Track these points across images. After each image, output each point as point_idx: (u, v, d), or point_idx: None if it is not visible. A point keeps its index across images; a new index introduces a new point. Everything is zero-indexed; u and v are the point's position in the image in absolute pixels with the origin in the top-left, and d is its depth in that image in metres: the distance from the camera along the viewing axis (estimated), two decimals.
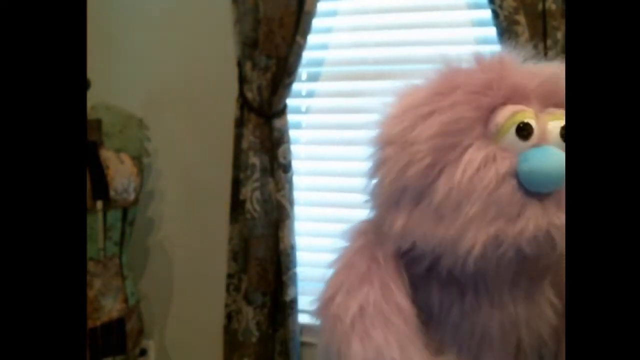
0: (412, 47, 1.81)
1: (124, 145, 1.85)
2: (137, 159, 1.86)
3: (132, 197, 1.80)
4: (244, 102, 1.81)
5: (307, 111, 1.94)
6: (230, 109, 1.84)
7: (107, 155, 1.76)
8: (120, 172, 1.76)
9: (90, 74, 1.32)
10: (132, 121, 1.90)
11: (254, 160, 1.81)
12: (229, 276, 1.87)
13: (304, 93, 1.92)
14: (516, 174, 0.58)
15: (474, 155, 0.59)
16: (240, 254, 1.85)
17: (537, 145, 0.59)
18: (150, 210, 2.08)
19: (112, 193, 1.74)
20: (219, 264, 1.91)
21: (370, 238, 0.69)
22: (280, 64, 1.75)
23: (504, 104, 0.61)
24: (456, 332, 0.66)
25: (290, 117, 1.84)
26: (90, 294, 1.71)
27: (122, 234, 1.81)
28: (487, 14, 1.63)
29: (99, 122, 1.79)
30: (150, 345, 2.09)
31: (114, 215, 1.77)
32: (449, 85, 0.63)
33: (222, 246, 1.89)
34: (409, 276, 0.66)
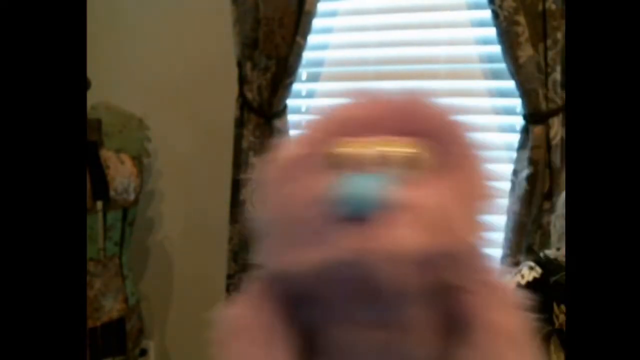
0: (412, 47, 1.81)
1: (124, 145, 1.85)
2: (137, 159, 1.86)
3: (132, 197, 1.80)
4: (244, 102, 1.81)
5: (307, 111, 1.94)
6: (230, 109, 1.84)
7: (107, 155, 1.76)
8: (120, 172, 1.76)
9: (90, 74, 1.32)
10: (132, 121, 1.90)
11: (254, 160, 1.81)
12: (229, 276, 1.87)
13: (304, 93, 1.92)
14: (334, 201, 0.61)
15: (307, 185, 0.63)
16: (240, 254, 1.85)
17: (361, 172, 0.61)
18: (150, 210, 2.08)
19: (112, 193, 1.74)
20: (219, 264, 1.91)
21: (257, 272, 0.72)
22: (280, 64, 1.75)
23: (351, 136, 0.65)
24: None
25: (290, 117, 1.84)
26: (91, 294, 1.71)
27: (122, 234, 1.81)
28: (487, 14, 1.63)
29: (99, 122, 1.78)
30: (150, 345, 2.09)
31: (114, 216, 1.77)
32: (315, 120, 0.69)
33: (222, 246, 1.89)
34: (288, 303, 0.68)
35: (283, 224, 0.64)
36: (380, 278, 0.59)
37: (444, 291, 0.65)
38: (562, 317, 1.05)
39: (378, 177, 0.61)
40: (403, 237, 0.58)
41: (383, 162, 0.62)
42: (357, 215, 0.59)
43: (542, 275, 1.08)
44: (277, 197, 0.65)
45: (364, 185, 0.60)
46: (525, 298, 1.00)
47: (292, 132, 1.85)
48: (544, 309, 1.06)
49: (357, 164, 0.62)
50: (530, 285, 1.07)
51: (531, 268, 1.10)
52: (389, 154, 0.62)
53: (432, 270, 0.61)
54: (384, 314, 0.65)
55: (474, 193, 0.64)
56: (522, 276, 1.08)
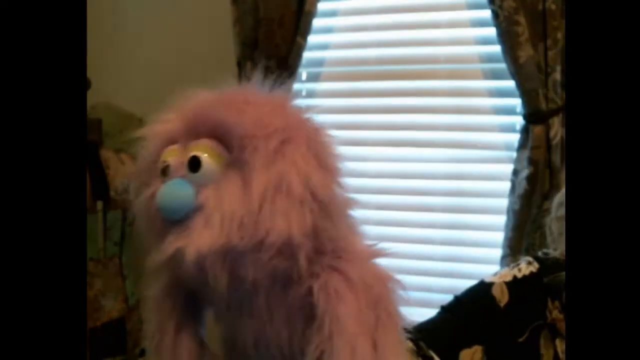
0: (412, 47, 1.81)
1: (124, 145, 1.85)
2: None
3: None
4: None
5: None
6: None
7: (107, 155, 1.76)
8: (120, 172, 1.76)
9: (90, 74, 1.32)
10: (132, 121, 1.90)
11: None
12: None
13: (304, 93, 1.92)
14: (157, 208, 0.68)
15: (144, 194, 0.71)
16: None
17: (170, 179, 0.68)
18: None
19: (112, 193, 1.74)
20: None
21: None
22: (280, 64, 1.75)
23: (167, 146, 0.71)
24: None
25: None
26: (91, 294, 1.71)
27: (122, 234, 1.81)
28: (487, 14, 1.63)
29: (99, 122, 1.78)
30: None
31: (114, 216, 1.77)
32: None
33: None
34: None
35: (142, 226, 0.74)
36: (192, 275, 0.67)
37: (288, 280, 0.69)
38: (555, 313, 1.05)
39: (182, 184, 0.67)
40: (199, 238, 0.65)
41: (187, 167, 0.67)
42: (172, 218, 0.67)
43: (538, 270, 1.09)
44: (136, 203, 0.74)
45: (171, 193, 0.67)
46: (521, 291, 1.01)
47: None
48: (537, 303, 1.06)
49: (171, 172, 0.68)
50: (527, 279, 1.08)
51: (529, 263, 1.11)
52: (190, 158, 0.68)
53: (236, 264, 0.66)
54: (240, 303, 0.70)
55: (265, 187, 0.66)
56: (519, 270, 1.09)
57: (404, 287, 0.74)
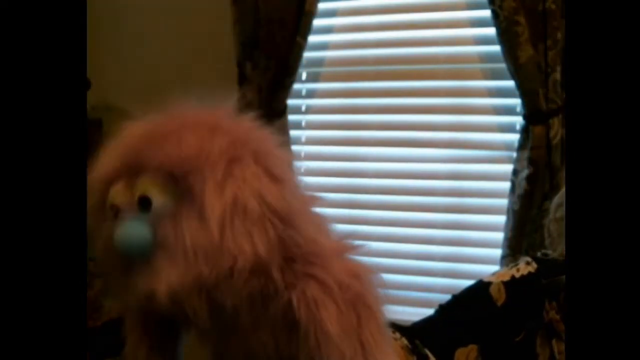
0: (411, 47, 1.81)
1: None
2: None
3: None
4: (244, 102, 1.81)
5: (307, 111, 1.94)
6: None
7: None
8: None
9: (90, 74, 1.32)
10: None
11: None
12: None
13: (304, 93, 1.92)
14: (115, 249, 0.67)
15: (97, 237, 0.70)
16: None
17: (122, 220, 0.67)
18: None
19: None
20: None
21: None
22: (280, 64, 1.75)
23: (112, 184, 0.69)
24: None
25: (290, 117, 1.84)
26: (91, 294, 1.71)
27: None
28: (487, 13, 1.63)
29: (99, 122, 1.78)
30: None
31: None
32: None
33: None
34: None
35: (104, 266, 0.72)
36: (169, 310, 0.66)
37: (266, 296, 0.68)
38: (552, 314, 1.05)
39: (137, 225, 0.66)
40: (167, 276, 0.64)
41: (138, 207, 0.66)
42: (132, 257, 0.66)
43: (537, 270, 1.09)
44: (95, 244, 0.72)
45: (127, 235, 0.66)
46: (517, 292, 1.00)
47: (292, 133, 1.85)
48: (534, 303, 1.06)
49: (122, 213, 0.67)
50: (525, 279, 1.08)
51: (528, 263, 1.11)
52: (139, 198, 0.66)
53: (213, 295, 0.65)
54: (223, 324, 0.70)
55: (221, 214, 0.65)
56: (518, 270, 1.09)
57: (380, 278, 0.73)
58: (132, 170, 0.68)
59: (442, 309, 1.09)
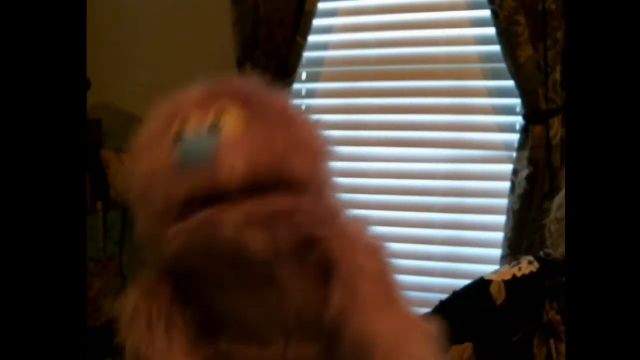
0: (412, 47, 1.81)
1: (124, 145, 1.85)
2: None
3: None
4: None
5: (307, 111, 1.94)
6: None
7: (107, 155, 1.76)
8: (120, 172, 1.76)
9: (90, 74, 1.32)
10: (132, 121, 1.90)
11: None
12: None
13: (304, 93, 1.92)
14: (177, 165, 0.67)
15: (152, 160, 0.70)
16: None
17: (186, 138, 0.68)
18: None
19: (112, 193, 1.74)
20: None
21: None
22: (280, 64, 1.75)
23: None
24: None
25: None
26: (91, 294, 1.71)
27: (122, 234, 1.81)
28: (487, 13, 1.63)
29: (99, 122, 1.79)
30: None
31: (114, 216, 1.77)
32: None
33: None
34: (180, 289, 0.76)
35: (147, 195, 0.69)
36: (228, 243, 0.65)
37: (307, 246, 0.70)
38: (553, 314, 1.05)
39: (201, 140, 0.67)
40: (234, 162, 0.65)
41: (208, 128, 0.68)
42: (194, 164, 0.66)
43: (538, 270, 1.09)
44: (140, 170, 0.71)
45: (194, 140, 0.67)
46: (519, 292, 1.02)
47: None
48: (534, 303, 1.06)
49: (189, 131, 0.68)
50: (526, 279, 1.08)
51: (530, 263, 1.11)
52: (212, 121, 0.68)
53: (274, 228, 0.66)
54: (256, 276, 0.70)
55: (297, 137, 0.70)
56: (520, 269, 1.09)
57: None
58: (208, 101, 0.72)
59: (442, 305, 1.09)
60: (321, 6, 1.76)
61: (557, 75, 1.57)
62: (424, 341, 0.72)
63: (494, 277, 1.10)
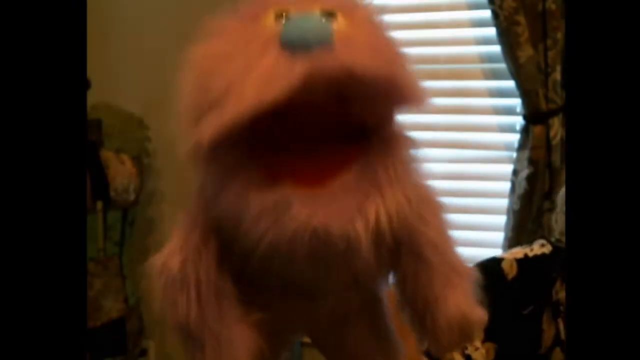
0: (412, 48, 1.81)
1: (124, 145, 1.85)
2: (137, 159, 1.86)
3: (132, 197, 1.81)
4: None
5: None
6: None
7: (107, 155, 1.76)
8: (120, 172, 1.76)
9: (90, 74, 1.32)
10: (132, 121, 1.90)
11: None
12: None
13: None
14: (280, 44, 0.58)
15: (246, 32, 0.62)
16: None
17: (293, 16, 0.59)
18: (150, 210, 2.08)
19: (112, 193, 1.74)
20: None
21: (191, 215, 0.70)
22: None
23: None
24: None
25: None
26: (91, 294, 1.72)
27: (122, 234, 1.81)
28: (487, 14, 1.63)
29: (99, 122, 1.79)
30: (150, 345, 2.09)
31: (114, 216, 1.77)
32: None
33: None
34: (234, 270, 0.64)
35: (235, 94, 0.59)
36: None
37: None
38: (562, 294, 1.05)
39: (316, 18, 0.58)
40: (359, 58, 0.56)
41: (315, 11, 0.59)
42: (305, 45, 0.56)
43: (551, 252, 1.09)
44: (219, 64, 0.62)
45: (308, 19, 0.58)
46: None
47: None
48: (545, 281, 1.06)
49: (296, 13, 0.59)
50: (537, 258, 1.08)
51: (542, 245, 1.11)
52: (322, 9, 0.59)
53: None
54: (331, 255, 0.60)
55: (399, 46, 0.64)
56: (532, 249, 1.09)
57: None
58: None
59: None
60: None
61: (557, 75, 1.57)
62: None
63: (506, 255, 1.10)
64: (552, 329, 1.06)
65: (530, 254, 1.09)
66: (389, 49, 0.63)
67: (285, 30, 0.57)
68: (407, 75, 0.63)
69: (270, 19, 0.60)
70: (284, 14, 0.60)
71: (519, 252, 1.11)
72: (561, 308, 1.06)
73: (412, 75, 0.64)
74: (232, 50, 0.62)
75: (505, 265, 1.07)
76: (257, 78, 0.57)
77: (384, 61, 0.60)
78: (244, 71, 0.58)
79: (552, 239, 1.17)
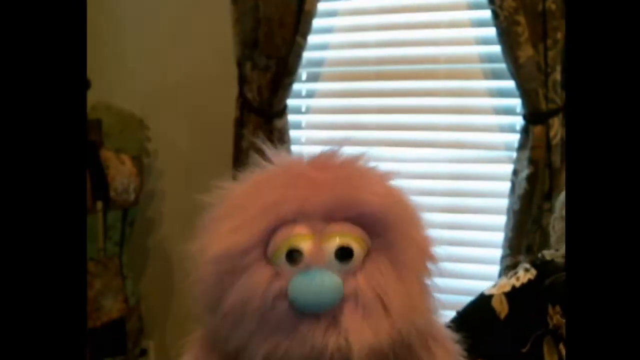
0: (412, 47, 1.81)
1: (124, 145, 1.85)
2: (137, 159, 1.86)
3: (132, 197, 1.81)
4: (244, 102, 1.81)
5: (307, 111, 1.94)
6: (230, 109, 1.84)
7: (107, 155, 1.76)
8: (120, 172, 1.76)
9: (90, 74, 1.32)
10: (132, 121, 1.90)
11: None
12: None
13: (304, 93, 1.92)
14: (288, 297, 0.62)
15: (250, 280, 0.63)
16: None
17: (306, 269, 0.62)
18: (150, 210, 2.08)
19: (112, 193, 1.74)
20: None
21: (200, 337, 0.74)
22: (280, 64, 1.75)
23: (285, 224, 0.64)
24: None
25: (290, 117, 1.84)
26: (91, 294, 1.71)
27: (122, 234, 1.81)
28: (487, 13, 1.63)
29: (99, 122, 1.79)
30: (150, 345, 2.09)
31: (114, 216, 1.77)
32: (237, 203, 0.68)
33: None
34: None
35: (236, 313, 0.64)
36: None
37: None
38: (557, 318, 1.05)
39: (329, 276, 0.62)
40: (362, 332, 0.60)
41: (334, 256, 0.62)
42: (312, 311, 0.61)
43: (536, 277, 1.09)
44: (220, 285, 0.65)
45: (316, 286, 0.61)
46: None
47: (292, 133, 1.85)
48: (537, 311, 1.06)
49: (314, 259, 0.62)
50: (525, 287, 1.08)
51: (526, 270, 1.11)
52: (340, 248, 0.63)
53: (385, 356, 0.63)
54: None
55: (416, 266, 0.66)
56: (517, 278, 1.09)
57: None
58: (324, 216, 0.64)
59: (447, 327, 1.09)
60: (321, 6, 1.76)
61: (557, 75, 1.57)
62: None
63: (493, 291, 1.10)
64: (554, 357, 1.06)
65: (517, 284, 1.09)
66: (405, 287, 0.64)
67: (295, 293, 0.61)
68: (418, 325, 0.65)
69: (282, 255, 0.62)
70: (295, 256, 0.62)
71: (505, 284, 1.10)
72: (559, 332, 1.05)
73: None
74: (246, 292, 0.63)
75: (495, 304, 1.07)
76: (270, 331, 0.62)
77: (395, 315, 0.61)
78: (257, 317, 0.62)
79: (539, 255, 1.16)
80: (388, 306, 0.61)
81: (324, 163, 0.69)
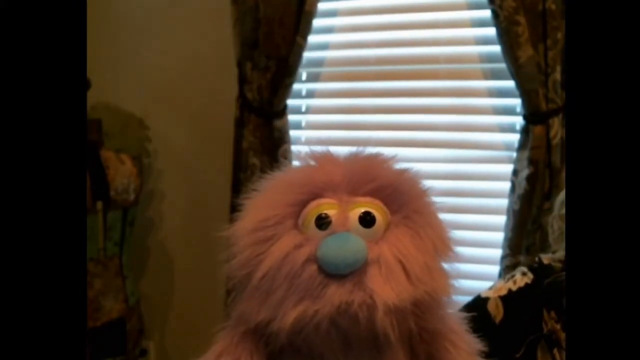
0: (412, 47, 1.82)
1: (124, 145, 1.85)
2: (137, 159, 1.86)
3: (132, 197, 1.81)
4: (244, 103, 1.81)
5: (307, 111, 1.94)
6: (230, 109, 1.84)
7: (107, 155, 1.76)
8: (120, 172, 1.76)
9: (90, 74, 1.32)
10: (132, 121, 1.90)
11: (254, 160, 1.81)
12: (229, 277, 1.87)
13: (304, 93, 1.92)
14: (317, 260, 0.67)
15: (281, 246, 0.69)
16: None
17: (334, 233, 0.68)
18: (150, 210, 2.08)
19: (112, 193, 1.74)
20: (219, 264, 1.91)
21: (232, 322, 0.78)
22: (280, 64, 1.75)
23: (313, 198, 0.71)
24: None
25: (290, 117, 1.84)
26: (91, 294, 1.72)
27: (122, 234, 1.81)
28: (487, 13, 1.63)
29: (99, 122, 1.79)
30: (150, 345, 2.09)
31: (114, 216, 1.77)
32: (269, 185, 0.75)
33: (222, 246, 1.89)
34: (268, 353, 0.74)
35: (267, 281, 0.69)
36: (362, 327, 0.65)
37: (419, 336, 0.71)
38: (551, 323, 1.05)
39: (354, 237, 0.67)
40: (384, 292, 0.64)
41: (358, 222, 0.68)
42: (339, 272, 0.66)
43: (533, 281, 1.09)
44: (254, 255, 0.70)
45: (345, 247, 0.66)
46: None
47: (292, 133, 1.85)
48: (532, 315, 1.06)
49: (341, 225, 0.68)
50: (521, 292, 1.08)
51: (524, 274, 1.11)
52: (363, 214, 0.69)
53: (406, 318, 0.67)
54: (363, 349, 0.69)
55: (434, 243, 0.70)
56: (514, 282, 1.09)
57: None
58: (350, 189, 0.71)
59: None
60: (321, 6, 1.76)
61: (557, 75, 1.57)
62: None
63: (490, 294, 1.10)
64: None
65: (514, 288, 1.09)
66: (425, 259, 0.68)
67: (323, 254, 0.66)
68: (437, 282, 0.68)
69: (311, 221, 0.69)
70: (324, 221, 0.68)
71: (502, 287, 1.10)
72: (553, 337, 1.05)
73: (445, 279, 0.70)
74: (277, 257, 0.69)
75: (490, 307, 1.07)
76: (299, 295, 0.66)
77: (415, 280, 0.66)
78: (287, 283, 0.67)
79: (536, 259, 1.16)
80: (409, 272, 0.66)
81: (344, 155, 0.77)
